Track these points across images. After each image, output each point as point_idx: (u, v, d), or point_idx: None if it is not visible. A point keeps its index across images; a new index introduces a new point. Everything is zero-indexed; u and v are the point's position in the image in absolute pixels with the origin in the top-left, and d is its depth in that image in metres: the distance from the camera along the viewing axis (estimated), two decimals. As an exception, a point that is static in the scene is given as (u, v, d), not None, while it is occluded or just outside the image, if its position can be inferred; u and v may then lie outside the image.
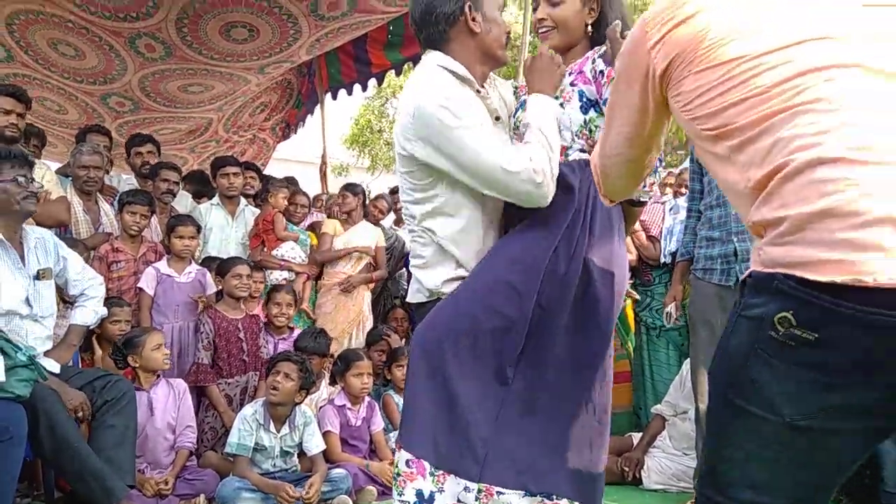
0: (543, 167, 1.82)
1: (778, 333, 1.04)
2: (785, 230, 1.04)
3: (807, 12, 1.14)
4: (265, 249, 4.53)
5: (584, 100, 1.98)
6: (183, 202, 4.72)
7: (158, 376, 3.36)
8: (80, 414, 2.77)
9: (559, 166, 1.90)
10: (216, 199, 4.57)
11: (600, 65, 1.96)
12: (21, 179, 2.81)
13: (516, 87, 2.24)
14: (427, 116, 1.84)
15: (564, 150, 1.99)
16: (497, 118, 2.01)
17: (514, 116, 2.13)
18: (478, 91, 1.95)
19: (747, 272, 1.14)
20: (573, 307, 1.89)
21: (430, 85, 1.89)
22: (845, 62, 1.07)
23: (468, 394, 1.84)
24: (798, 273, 1.01)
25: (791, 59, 1.10)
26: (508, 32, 2.02)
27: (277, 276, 4.53)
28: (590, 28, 2.04)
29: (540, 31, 2.06)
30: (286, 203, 4.75)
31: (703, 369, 3.15)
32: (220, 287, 3.87)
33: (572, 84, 2.00)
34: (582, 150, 1.99)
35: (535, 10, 2.11)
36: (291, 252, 4.61)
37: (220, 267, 3.88)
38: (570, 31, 2.04)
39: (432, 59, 1.96)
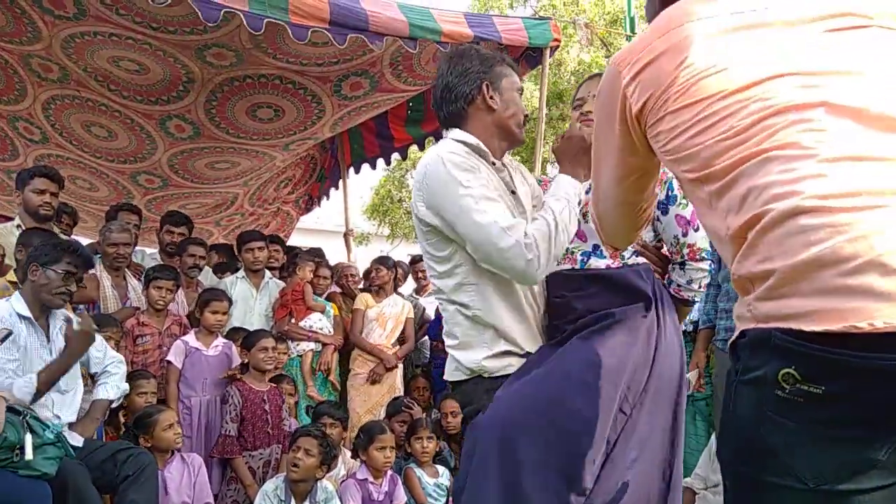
0: (539, 244, 1.80)
1: (784, 392, 0.99)
2: (774, 283, 1.00)
3: (775, 44, 1.11)
4: (293, 320, 4.59)
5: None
6: (204, 276, 4.83)
7: (173, 453, 3.36)
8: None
9: (626, 272, 1.96)
10: (241, 273, 4.67)
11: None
12: (69, 276, 2.96)
13: (541, 181, 2.29)
14: (433, 180, 1.88)
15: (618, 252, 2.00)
16: (513, 192, 2.03)
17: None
18: (493, 163, 2.00)
19: (736, 333, 1.08)
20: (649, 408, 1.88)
21: (442, 152, 1.94)
22: (811, 101, 1.05)
23: None
24: (794, 326, 0.97)
25: (762, 97, 1.07)
26: (526, 115, 2.08)
27: (304, 346, 4.57)
28: None
29: (585, 122, 2.14)
30: (312, 275, 4.84)
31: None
32: (245, 359, 3.91)
33: None
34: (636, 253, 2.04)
35: (578, 107, 2.23)
36: (319, 323, 4.67)
37: (245, 340, 3.94)
38: None
39: (450, 135, 2.03)
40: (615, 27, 9.73)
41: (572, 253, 2.06)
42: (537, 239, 1.81)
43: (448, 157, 1.90)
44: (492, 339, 1.91)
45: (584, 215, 2.03)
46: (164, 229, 4.79)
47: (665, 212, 2.06)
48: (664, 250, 2.13)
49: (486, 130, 2.02)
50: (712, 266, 3.25)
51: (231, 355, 3.97)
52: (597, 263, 2.03)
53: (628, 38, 6.03)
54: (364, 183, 19.05)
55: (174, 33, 4.11)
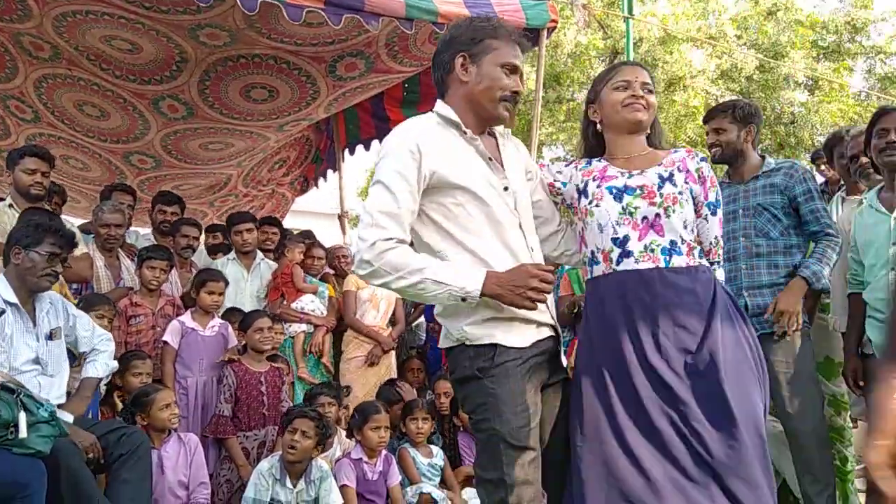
0: (386, 263, 1.86)
1: None
2: None
3: None
4: (285, 302, 4.59)
5: (692, 198, 2.14)
6: (198, 257, 4.82)
7: (169, 433, 3.37)
8: (90, 455, 2.79)
9: (706, 269, 2.10)
10: (232, 254, 4.65)
11: (706, 170, 2.18)
12: (53, 257, 2.92)
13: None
14: (383, 145, 1.99)
15: (691, 249, 2.10)
16: (490, 159, 2.04)
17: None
18: (464, 132, 2.01)
19: None
20: None
21: (408, 124, 2.02)
22: None
23: None
24: None
25: None
26: (515, 92, 2.05)
27: (296, 328, 4.57)
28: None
29: (638, 106, 2.16)
30: (302, 256, 4.82)
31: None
32: (242, 340, 3.91)
33: (685, 182, 2.13)
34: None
35: (624, 88, 2.18)
36: (311, 305, 4.67)
37: (242, 321, 3.93)
38: (650, 119, 2.22)
39: (435, 106, 2.09)
40: (613, 9, 9.69)
41: (652, 251, 2.06)
42: (391, 258, 1.86)
43: (404, 131, 1.98)
44: (472, 307, 1.94)
45: (666, 210, 2.07)
46: (156, 209, 4.77)
47: (714, 213, 2.17)
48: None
49: (459, 102, 2.05)
50: None
51: (227, 336, 3.97)
52: (678, 261, 2.06)
53: (626, 20, 6.00)
54: (359, 165, 18.93)
55: (167, 13, 4.07)
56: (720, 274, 2.19)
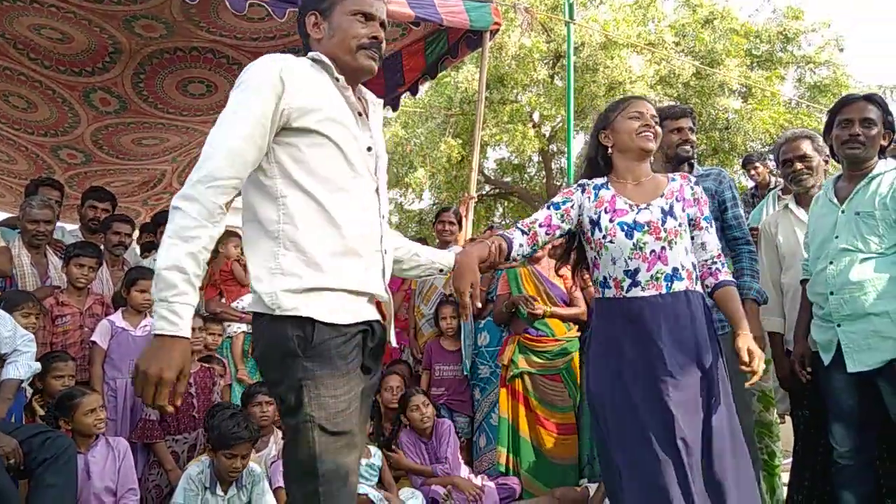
0: (198, 210, 1.62)
1: None
2: None
3: None
4: (223, 300, 4.49)
5: (689, 221, 2.45)
6: (130, 256, 4.67)
7: (97, 437, 3.24)
8: (11, 461, 2.68)
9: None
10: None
11: (699, 192, 2.49)
12: None
13: None
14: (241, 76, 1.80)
15: (690, 274, 2.41)
16: (360, 114, 1.94)
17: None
18: (336, 79, 1.90)
19: None
20: None
21: (275, 56, 1.83)
22: None
23: None
24: None
25: None
26: (374, 37, 1.93)
27: (236, 328, 4.46)
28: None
29: (649, 136, 2.46)
30: (238, 251, 4.71)
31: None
32: None
33: (683, 210, 2.44)
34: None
35: (637, 118, 2.48)
36: None
37: None
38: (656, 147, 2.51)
39: None
40: (556, 13, 9.81)
41: (657, 279, 2.35)
42: (187, 209, 1.64)
43: (270, 60, 1.80)
44: (288, 269, 1.76)
45: (670, 243, 2.35)
46: (86, 205, 4.59)
47: (711, 224, 2.52)
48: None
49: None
50: None
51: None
52: (678, 286, 2.35)
53: (567, 25, 6.08)
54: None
55: (100, 2, 3.95)
56: (726, 270, 2.47)
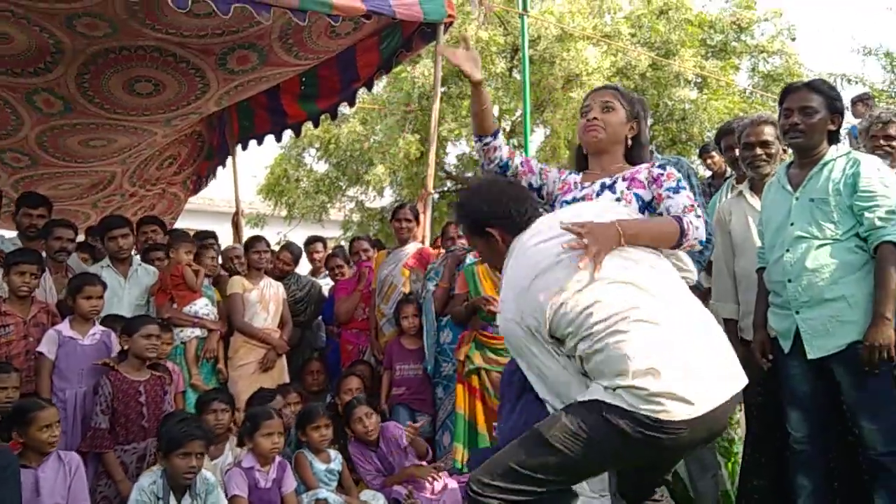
0: None
1: None
2: None
3: None
4: (175, 306, 4.39)
5: (641, 202, 2.34)
6: (71, 263, 4.53)
7: (49, 452, 3.13)
8: None
9: None
10: (106, 261, 4.41)
11: (657, 172, 2.37)
12: None
13: None
14: None
15: None
16: None
17: None
18: None
19: None
20: None
21: None
22: None
23: None
24: None
25: None
26: None
27: (189, 333, 4.38)
28: (629, 141, 2.48)
29: (589, 128, 2.44)
30: (191, 257, 4.61)
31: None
32: (125, 346, 3.68)
33: (628, 188, 2.36)
34: None
35: (585, 113, 2.49)
36: (205, 309, 4.48)
37: (127, 325, 3.71)
38: (613, 136, 2.44)
39: None
40: (511, 5, 9.79)
41: None
42: None
43: None
44: None
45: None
46: (20, 212, 4.40)
47: (676, 191, 2.34)
48: None
49: None
50: None
51: (110, 344, 3.75)
52: None
53: (521, 17, 6.07)
54: (259, 162, 18.44)
55: (41, 1, 3.81)
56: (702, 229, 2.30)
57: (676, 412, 1.81)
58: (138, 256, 4.64)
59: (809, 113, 2.77)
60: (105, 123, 5.19)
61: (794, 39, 12.15)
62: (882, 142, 3.42)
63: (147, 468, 3.30)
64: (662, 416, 1.81)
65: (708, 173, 6.23)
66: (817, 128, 2.78)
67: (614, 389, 1.84)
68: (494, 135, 2.52)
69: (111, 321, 3.95)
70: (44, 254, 4.08)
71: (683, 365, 1.86)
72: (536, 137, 12.78)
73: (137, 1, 3.48)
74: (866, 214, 2.64)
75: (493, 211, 2.25)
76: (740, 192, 3.42)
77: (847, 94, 13.41)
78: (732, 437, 3.66)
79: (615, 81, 10.66)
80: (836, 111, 2.81)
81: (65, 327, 3.66)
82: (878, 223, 2.62)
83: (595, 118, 2.43)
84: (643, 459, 2.04)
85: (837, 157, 2.78)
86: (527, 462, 1.92)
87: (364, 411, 3.91)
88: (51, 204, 4.64)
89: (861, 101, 6.94)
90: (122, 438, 3.51)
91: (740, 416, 3.70)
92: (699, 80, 11.46)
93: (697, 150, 7.66)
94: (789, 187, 2.88)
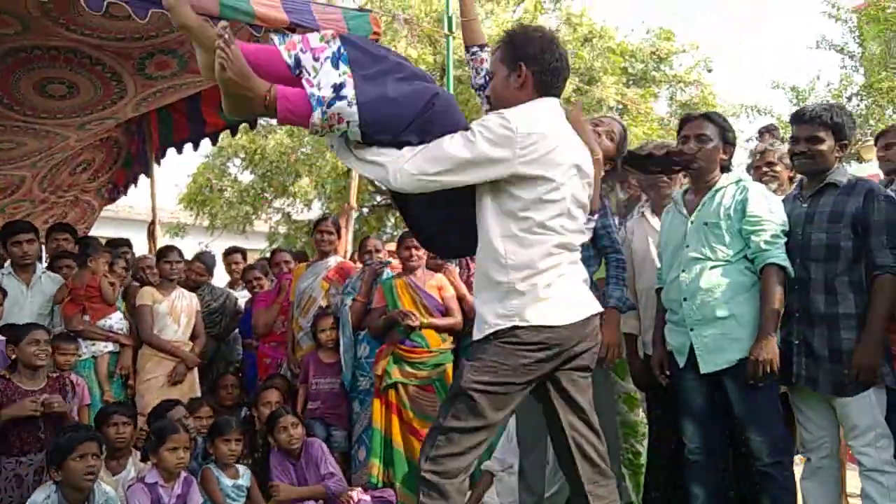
0: None
1: None
2: None
3: None
4: (87, 318, 4.26)
5: None
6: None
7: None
8: None
9: None
10: (7, 268, 4.24)
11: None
12: None
13: None
14: None
15: None
16: None
17: None
18: None
19: None
20: None
21: None
22: None
23: None
24: None
25: None
26: None
27: (101, 347, 4.27)
28: None
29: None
30: (107, 267, 4.48)
31: (525, 425, 3.28)
32: (13, 356, 3.53)
33: None
34: None
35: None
36: (119, 323, 4.38)
37: (13, 334, 3.56)
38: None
39: None
40: (440, 24, 9.94)
41: None
42: None
43: None
44: None
45: None
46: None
47: None
48: None
49: None
50: None
51: (5, 352, 3.60)
52: None
53: (447, 38, 6.18)
54: (181, 170, 18.01)
55: (-57, -6, 3.65)
56: None
57: None
58: (42, 264, 4.46)
59: (704, 140, 2.98)
60: (14, 125, 4.98)
61: (710, 71, 12.77)
62: (765, 169, 3.66)
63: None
64: None
65: (623, 196, 6.45)
66: (711, 154, 2.99)
67: None
68: (482, 46, 2.54)
69: (10, 330, 3.79)
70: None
71: None
72: (464, 156, 12.95)
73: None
74: (753, 238, 2.85)
75: (543, 59, 2.25)
76: (642, 214, 3.59)
77: (757, 124, 14.24)
78: (638, 450, 3.77)
79: (540, 104, 10.94)
80: (727, 142, 3.04)
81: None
82: (764, 246, 2.83)
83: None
84: None
85: (728, 185, 2.98)
86: None
87: (290, 421, 3.86)
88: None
89: (768, 131, 7.32)
90: (17, 450, 3.38)
91: (645, 429, 3.84)
92: (620, 106, 11.86)
93: (616, 174, 7.89)
94: (685, 212, 3.06)
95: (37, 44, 4.23)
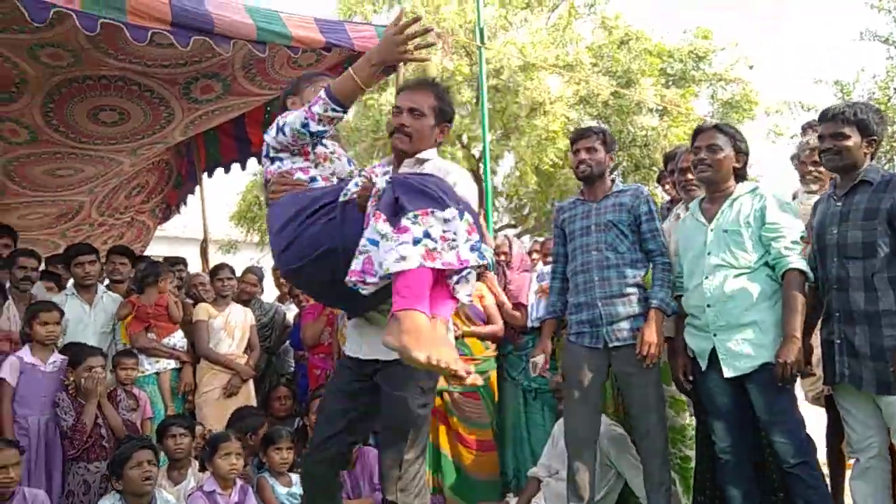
0: None
1: None
2: None
3: None
4: (151, 335, 4.45)
5: None
6: (35, 291, 4.55)
7: (13, 493, 3.12)
8: None
9: None
10: (71, 289, 4.44)
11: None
12: None
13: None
14: None
15: None
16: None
17: None
18: None
19: None
20: None
21: None
22: None
23: None
24: None
25: None
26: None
27: (164, 364, 4.45)
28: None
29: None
30: (174, 286, 4.67)
31: (574, 429, 3.32)
32: (70, 378, 3.72)
33: None
34: None
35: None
36: (182, 341, 4.56)
37: (72, 358, 3.75)
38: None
39: None
40: (473, 37, 10.04)
41: None
42: None
43: None
44: None
45: None
46: (-18, 243, 4.48)
47: None
48: None
49: None
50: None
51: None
52: None
53: (479, 49, 6.26)
54: (231, 189, 18.42)
55: (3, 31, 3.86)
56: None
57: None
58: (104, 284, 4.66)
59: (715, 150, 3.06)
60: (71, 153, 5.21)
61: (751, 68, 12.58)
62: (811, 168, 3.64)
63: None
64: None
65: (667, 198, 6.41)
66: (722, 164, 3.07)
67: None
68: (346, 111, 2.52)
69: (72, 350, 3.97)
70: (8, 283, 4.10)
71: None
72: (505, 163, 12.99)
73: (95, 33, 3.54)
74: (773, 245, 2.92)
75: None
76: (677, 216, 3.60)
77: (802, 119, 13.92)
78: (687, 455, 3.75)
79: (578, 109, 10.93)
80: (739, 151, 3.10)
81: (26, 354, 3.69)
82: (784, 252, 2.89)
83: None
84: None
85: (745, 193, 3.06)
86: None
87: None
88: (15, 234, 4.68)
89: (810, 126, 7.19)
90: (86, 457, 3.57)
91: (693, 433, 3.82)
92: (660, 107, 11.78)
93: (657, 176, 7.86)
94: (703, 219, 3.14)
95: (88, 73, 4.43)
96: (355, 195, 2.24)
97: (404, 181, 2.06)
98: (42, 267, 4.91)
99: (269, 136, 2.49)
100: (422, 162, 2.43)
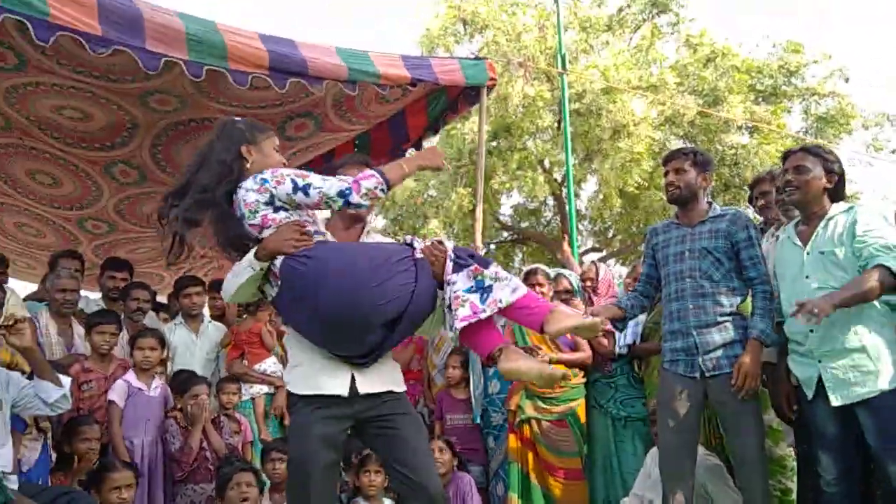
0: None
1: None
2: None
3: None
4: (245, 362, 4.63)
5: None
6: (147, 321, 4.84)
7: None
8: None
9: None
10: (179, 319, 4.71)
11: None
12: None
13: None
14: None
15: None
16: None
17: None
18: None
19: None
20: None
21: None
22: None
23: None
24: None
25: None
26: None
27: (258, 389, 4.61)
28: None
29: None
30: (268, 316, 4.86)
31: (670, 459, 3.26)
32: (178, 404, 3.97)
33: None
34: None
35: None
36: (273, 367, 4.71)
37: (180, 385, 3.99)
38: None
39: None
40: (555, 62, 10.09)
41: None
42: None
43: None
44: None
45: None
46: (105, 275, 4.79)
47: None
48: None
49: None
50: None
51: (168, 396, 4.06)
52: None
53: (560, 75, 6.30)
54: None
55: (116, 81, 4.16)
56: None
57: None
58: (208, 315, 4.92)
59: (802, 171, 3.02)
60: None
61: (847, 80, 12.07)
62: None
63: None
64: None
65: (760, 218, 6.23)
66: (811, 185, 3.01)
67: None
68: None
69: (181, 376, 4.21)
70: (123, 314, 4.40)
71: None
72: (589, 186, 12.91)
73: (201, 78, 3.78)
74: (864, 251, 2.81)
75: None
76: (776, 237, 3.51)
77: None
78: (788, 487, 3.63)
79: (664, 130, 10.76)
80: (831, 171, 3.03)
81: (132, 378, 3.93)
82: (875, 252, 2.78)
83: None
84: None
85: (839, 213, 2.98)
86: None
87: (437, 445, 3.99)
88: (132, 268, 4.98)
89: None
90: (191, 478, 3.78)
91: (793, 463, 3.69)
92: (750, 125, 11.46)
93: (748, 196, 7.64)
94: (799, 242, 3.06)
95: (192, 117, 4.69)
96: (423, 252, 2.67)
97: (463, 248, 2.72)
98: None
99: (277, 189, 2.54)
100: None
